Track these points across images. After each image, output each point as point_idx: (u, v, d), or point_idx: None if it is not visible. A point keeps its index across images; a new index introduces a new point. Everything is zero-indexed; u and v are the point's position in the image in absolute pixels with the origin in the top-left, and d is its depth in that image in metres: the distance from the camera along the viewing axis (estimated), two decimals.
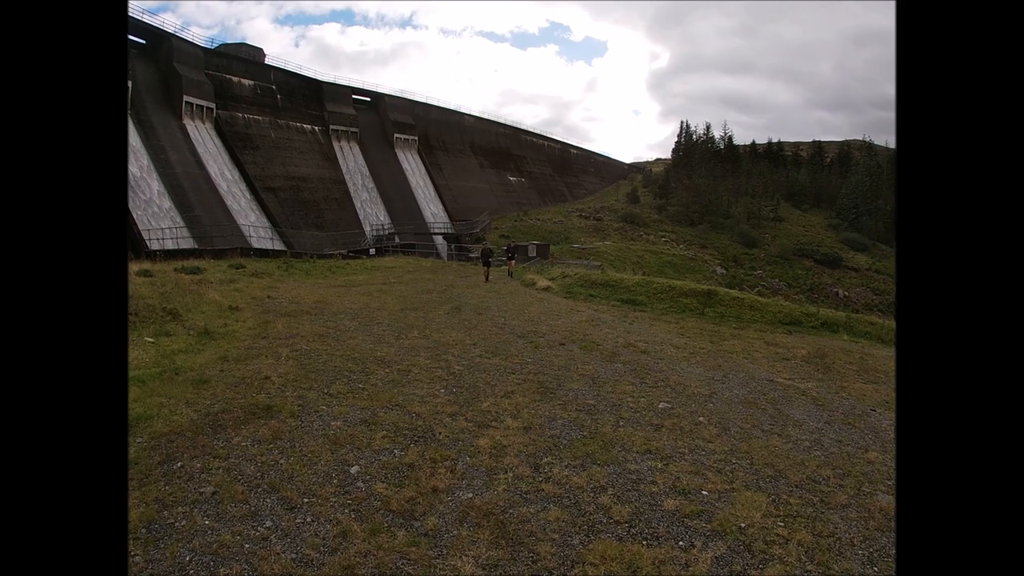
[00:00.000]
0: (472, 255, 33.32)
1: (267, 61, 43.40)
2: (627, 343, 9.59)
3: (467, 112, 63.05)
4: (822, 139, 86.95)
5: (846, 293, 46.68)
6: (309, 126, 43.19)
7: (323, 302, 13.28)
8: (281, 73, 42.98)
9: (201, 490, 3.97)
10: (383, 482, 4.18)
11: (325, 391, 6.32)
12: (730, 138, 72.80)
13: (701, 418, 5.92)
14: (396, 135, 50.27)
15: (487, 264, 19.59)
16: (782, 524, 3.80)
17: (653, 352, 9.08)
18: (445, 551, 3.34)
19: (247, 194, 35.11)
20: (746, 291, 26.37)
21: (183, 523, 3.55)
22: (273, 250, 27.42)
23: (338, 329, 10.02)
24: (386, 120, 50.21)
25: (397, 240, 38.53)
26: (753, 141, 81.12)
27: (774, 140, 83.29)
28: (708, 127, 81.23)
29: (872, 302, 44.19)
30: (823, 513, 4.01)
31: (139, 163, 28.97)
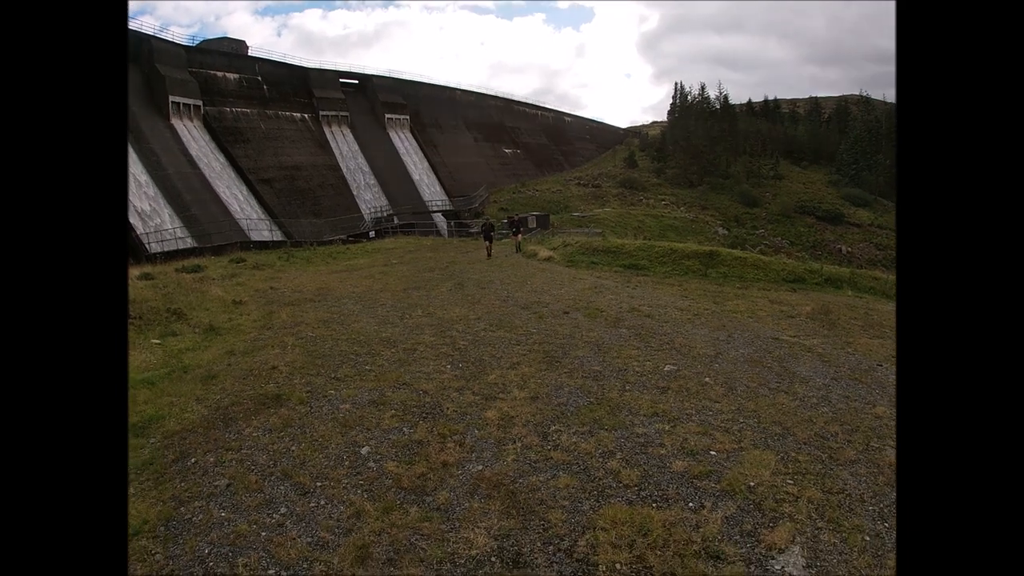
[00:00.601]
0: (472, 230, 33.15)
1: (250, 53, 42.78)
2: (631, 308, 9.59)
3: (457, 87, 62.20)
4: (818, 95, 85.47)
5: (849, 249, 46.41)
6: (299, 114, 42.70)
7: (326, 288, 13.27)
8: (266, 64, 42.42)
9: (216, 483, 4.02)
10: (394, 460, 4.23)
11: (332, 376, 6.35)
12: (726, 97, 71.55)
13: (707, 379, 5.94)
14: (387, 115, 49.63)
15: (489, 239, 18.75)
16: (791, 482, 3.82)
17: (657, 316, 9.07)
18: (457, 524, 3.39)
19: (242, 188, 34.89)
20: (749, 251, 26.23)
21: (200, 517, 3.60)
22: (273, 241, 27.37)
23: (342, 314, 10.02)
24: (376, 101, 49.52)
25: (396, 221, 38.39)
26: (749, 99, 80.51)
27: (770, 98, 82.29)
28: (703, 87, 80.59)
29: (875, 257, 43.89)
30: (832, 470, 4.02)
31: (132, 169, 28.75)
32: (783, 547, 3.11)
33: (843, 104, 79.51)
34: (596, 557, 3.02)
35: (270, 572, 3.08)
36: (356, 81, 49.59)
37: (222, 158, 35.04)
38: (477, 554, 3.10)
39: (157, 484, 4.02)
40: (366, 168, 45.36)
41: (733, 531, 3.27)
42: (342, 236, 29.76)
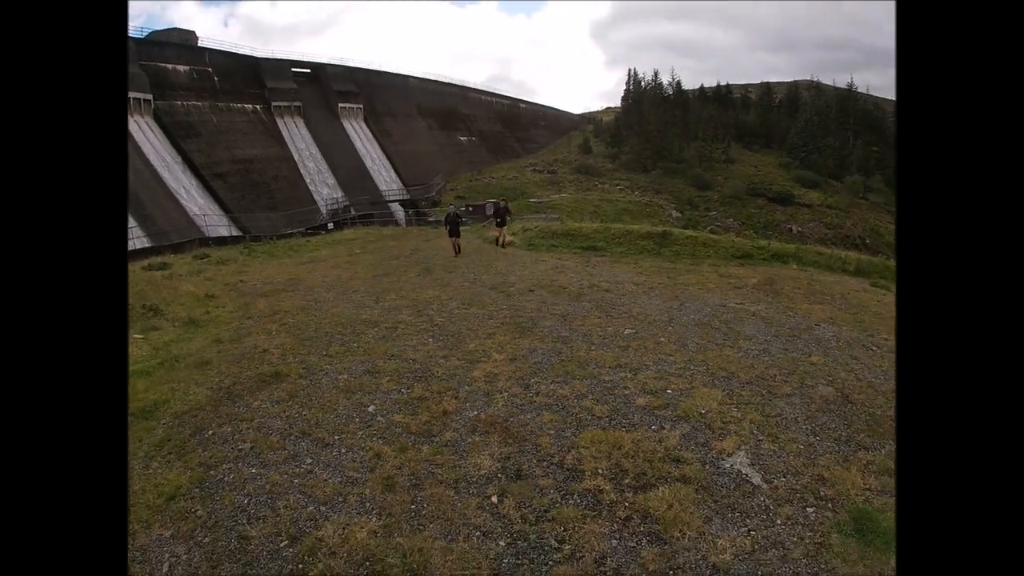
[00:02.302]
0: (431, 219, 33.11)
1: (201, 44, 41.38)
2: (591, 284, 10.37)
3: (411, 74, 61.55)
4: (770, 80, 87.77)
5: (799, 229, 48.61)
6: (250, 106, 41.73)
7: (295, 279, 13.50)
8: (217, 54, 41.22)
9: (240, 447, 4.39)
10: (399, 414, 4.84)
11: (324, 353, 6.80)
12: (678, 83, 72.93)
13: (662, 338, 6.76)
14: (340, 105, 48.95)
15: (455, 234, 15.79)
16: (736, 410, 4.67)
17: (615, 290, 9.88)
18: (465, 454, 4.07)
19: (196, 184, 34.07)
20: (701, 231, 27.50)
21: (231, 476, 3.96)
22: (231, 236, 27.02)
23: (318, 301, 10.35)
24: (329, 91, 48.77)
25: (353, 212, 38.13)
26: (702, 85, 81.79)
27: (722, 83, 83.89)
28: (656, 73, 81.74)
29: (825, 236, 45.91)
30: (770, 401, 4.88)
31: None
32: (731, 452, 3.97)
33: (794, 89, 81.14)
34: (582, 466, 3.80)
35: (309, 508, 3.55)
36: (308, 70, 48.60)
37: (175, 154, 34.04)
38: (486, 472, 3.81)
39: (180, 456, 4.33)
40: (320, 159, 44.76)
41: (689, 443, 4.10)
42: (300, 229, 29.52)
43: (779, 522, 3.27)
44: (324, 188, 43.11)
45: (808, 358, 6.10)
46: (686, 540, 3.12)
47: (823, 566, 2.93)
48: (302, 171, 42.45)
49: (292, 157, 42.45)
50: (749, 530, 3.21)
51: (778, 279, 11.23)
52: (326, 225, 32.79)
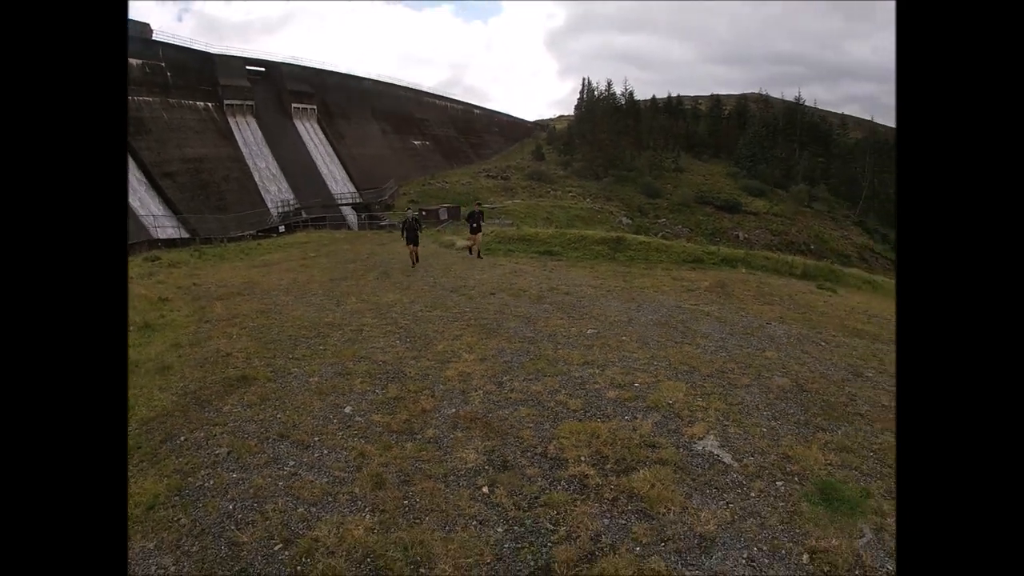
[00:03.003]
0: (384, 223, 32.71)
1: (155, 37, 39.54)
2: (550, 287, 10.68)
3: (366, 76, 60.63)
4: (719, 93, 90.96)
5: (746, 235, 50.67)
6: (203, 103, 40.18)
7: (250, 283, 13.17)
8: (170, 49, 39.57)
9: (216, 452, 4.27)
10: (377, 414, 4.88)
11: (290, 356, 6.72)
12: (631, 93, 74.78)
13: (624, 337, 7.08)
14: (294, 105, 47.78)
15: (413, 241, 14.43)
16: (701, 400, 4.99)
17: (575, 293, 10.22)
18: (449, 450, 4.18)
19: (144, 183, 32.50)
20: (652, 237, 28.43)
21: (211, 482, 3.83)
22: (181, 238, 26.03)
23: (276, 304, 10.17)
24: (283, 90, 47.52)
25: (304, 215, 37.30)
26: (653, 96, 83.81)
27: (673, 95, 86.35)
28: (609, 83, 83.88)
29: (771, 242, 47.84)
30: (731, 391, 5.24)
31: None
32: (701, 436, 4.29)
33: (743, 102, 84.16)
34: (564, 455, 3.99)
35: (299, 510, 3.51)
36: (263, 69, 47.22)
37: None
38: (473, 466, 3.94)
39: (154, 463, 4.13)
40: (272, 160, 43.51)
41: (662, 430, 4.38)
42: (251, 231, 28.68)
43: (753, 495, 3.57)
44: (274, 189, 41.92)
45: (762, 353, 6.54)
46: (672, 515, 3.36)
47: (798, 531, 3.23)
48: (253, 172, 41.17)
49: (243, 157, 41.10)
50: (727, 503, 3.49)
51: (729, 282, 11.84)
52: (277, 228, 31.95)
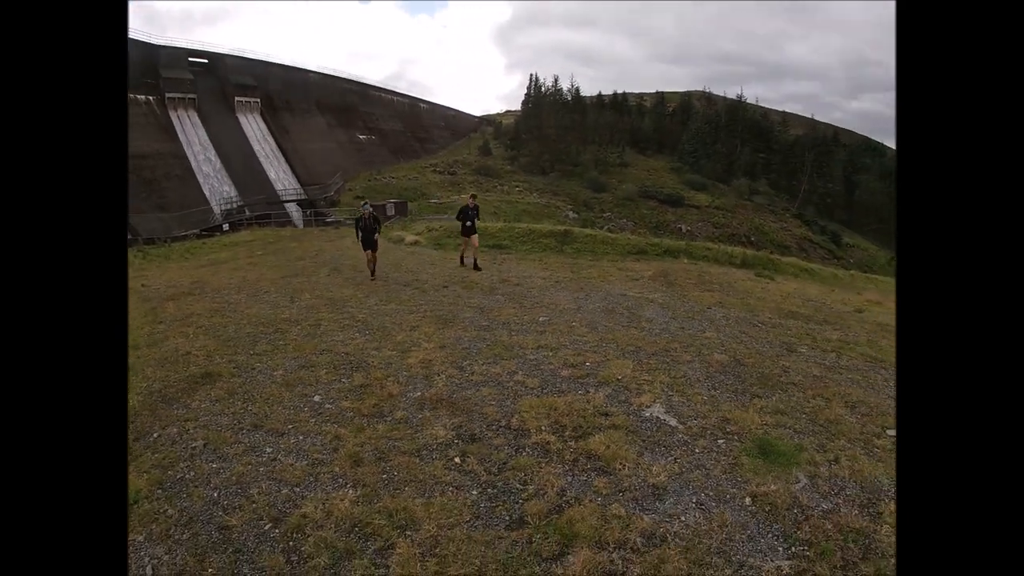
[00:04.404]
0: (330, 220, 32.12)
1: None
2: (501, 279, 11.12)
3: (311, 69, 59.03)
4: (664, 90, 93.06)
5: (689, 228, 52.66)
6: (143, 96, 38.43)
7: (200, 282, 12.89)
8: None
9: (192, 445, 4.36)
10: (346, 400, 5.13)
11: (251, 352, 6.78)
12: (577, 90, 76.05)
13: (574, 323, 7.60)
14: (237, 98, 46.24)
15: (370, 245, 11.73)
16: (647, 375, 5.52)
17: (525, 284, 10.71)
18: (420, 428, 4.51)
19: None
20: (599, 230, 29.32)
21: (192, 474, 3.94)
22: None
23: (230, 303, 10.06)
24: (226, 83, 45.93)
25: (248, 212, 36.25)
26: (599, 92, 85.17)
27: (619, 92, 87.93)
28: (556, 79, 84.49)
29: (713, 234, 49.85)
30: (675, 367, 5.81)
31: None
32: (649, 405, 4.82)
33: (687, 99, 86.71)
34: (527, 426, 4.43)
35: (283, 491, 3.69)
36: (206, 60, 45.50)
37: None
38: (443, 440, 4.29)
39: (130, 460, 4.15)
40: (214, 156, 41.90)
41: (613, 401, 4.90)
42: (194, 230, 27.75)
43: (698, 451, 4.08)
44: (218, 187, 40.42)
45: (703, 334, 7.16)
46: (627, 470, 3.82)
47: (739, 479, 3.74)
48: (195, 168, 39.60)
49: (185, 154, 39.51)
50: (675, 459, 3.99)
51: (671, 271, 12.59)
52: (221, 226, 30.97)
